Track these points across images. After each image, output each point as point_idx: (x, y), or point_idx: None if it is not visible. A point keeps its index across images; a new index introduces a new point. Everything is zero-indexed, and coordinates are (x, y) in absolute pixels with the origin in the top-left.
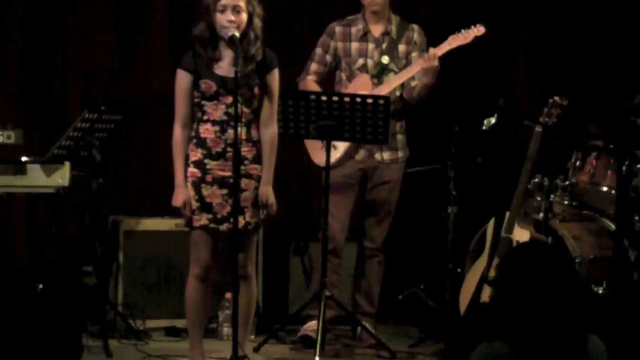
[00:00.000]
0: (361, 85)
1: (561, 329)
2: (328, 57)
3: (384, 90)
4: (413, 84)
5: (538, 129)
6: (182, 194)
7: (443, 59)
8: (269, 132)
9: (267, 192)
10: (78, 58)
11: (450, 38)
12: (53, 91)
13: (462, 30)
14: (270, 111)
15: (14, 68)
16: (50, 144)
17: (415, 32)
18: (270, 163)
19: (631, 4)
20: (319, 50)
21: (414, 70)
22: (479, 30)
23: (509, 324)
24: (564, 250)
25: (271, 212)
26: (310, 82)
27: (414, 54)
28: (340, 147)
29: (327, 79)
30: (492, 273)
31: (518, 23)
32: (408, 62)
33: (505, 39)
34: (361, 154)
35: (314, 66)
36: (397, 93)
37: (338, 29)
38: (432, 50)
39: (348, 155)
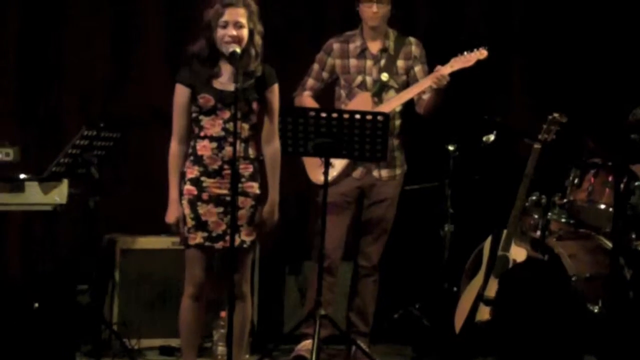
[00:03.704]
0: (361, 104)
1: (556, 348)
2: (325, 74)
3: (384, 109)
4: (425, 97)
5: (536, 146)
6: (175, 211)
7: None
8: (271, 148)
9: (273, 212)
10: (74, 73)
11: (452, 60)
12: (49, 106)
13: (465, 53)
14: (270, 127)
15: (9, 83)
16: (48, 160)
17: (413, 46)
18: (274, 181)
19: (628, 20)
20: (315, 67)
21: (416, 91)
22: (481, 53)
23: (506, 341)
24: (561, 271)
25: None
26: (306, 98)
27: (417, 68)
28: (337, 165)
29: (324, 96)
30: (488, 292)
31: (515, 39)
32: (410, 78)
33: (503, 56)
34: (359, 172)
35: (310, 82)
36: (397, 110)
37: (336, 45)
38: (441, 71)
39: (345, 173)
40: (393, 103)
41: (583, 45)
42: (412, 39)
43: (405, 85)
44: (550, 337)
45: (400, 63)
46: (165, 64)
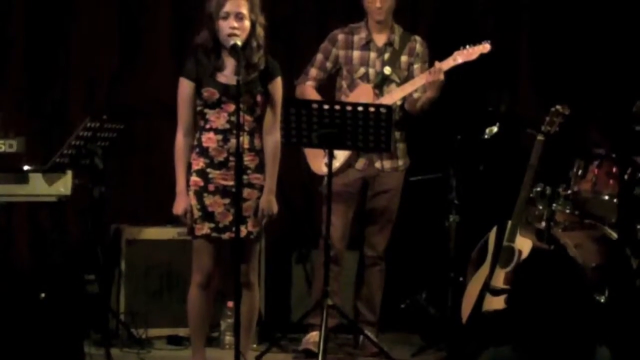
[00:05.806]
0: (363, 95)
1: (570, 339)
2: (328, 64)
3: (386, 101)
4: (415, 95)
5: (540, 137)
6: (183, 202)
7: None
8: (272, 140)
9: (270, 201)
10: (80, 64)
11: (455, 54)
12: (55, 97)
13: (468, 47)
14: (273, 119)
15: (15, 75)
16: (53, 151)
17: (418, 44)
18: (272, 172)
19: (633, 12)
20: (319, 56)
21: (418, 84)
22: (484, 47)
23: (519, 331)
24: (574, 262)
25: (270, 220)
26: (308, 89)
27: (416, 66)
28: (339, 156)
29: (326, 85)
30: (494, 282)
31: (520, 30)
32: (410, 73)
33: (507, 46)
34: (361, 163)
35: (313, 71)
36: (399, 102)
37: (341, 36)
38: (437, 65)
39: (348, 164)
40: (395, 95)
41: (588, 36)
42: (417, 37)
43: (407, 80)
44: (564, 329)
45: (403, 58)
46: (171, 57)
